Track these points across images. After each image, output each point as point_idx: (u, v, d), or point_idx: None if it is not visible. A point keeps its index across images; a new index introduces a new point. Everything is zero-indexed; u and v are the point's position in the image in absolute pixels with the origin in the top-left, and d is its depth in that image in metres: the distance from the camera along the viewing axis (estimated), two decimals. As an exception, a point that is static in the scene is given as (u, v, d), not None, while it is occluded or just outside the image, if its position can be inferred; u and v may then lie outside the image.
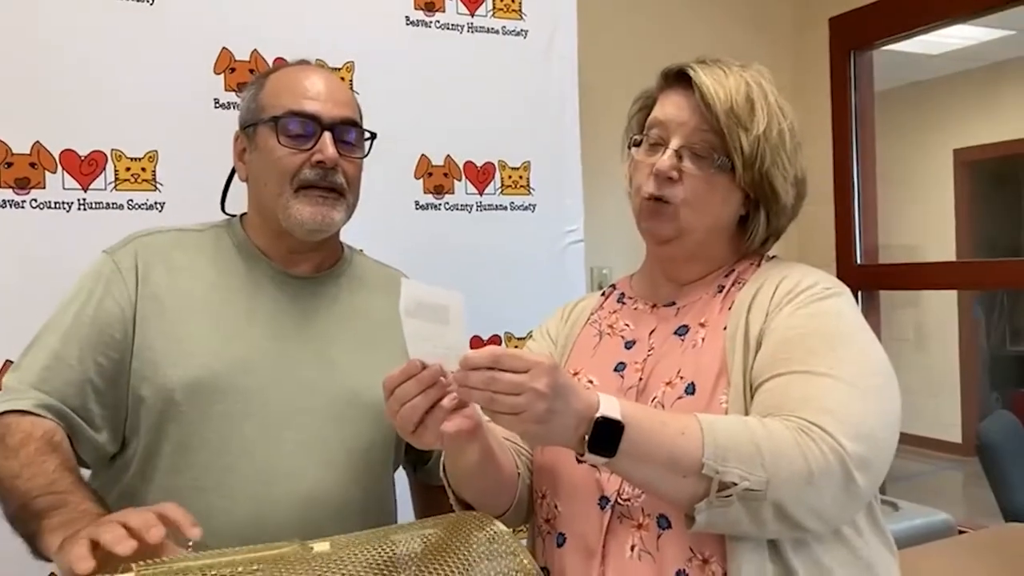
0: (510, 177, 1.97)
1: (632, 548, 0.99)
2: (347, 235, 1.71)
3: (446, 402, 0.92)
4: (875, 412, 0.96)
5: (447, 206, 1.90)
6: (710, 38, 2.61)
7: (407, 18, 1.86)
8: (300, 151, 1.23)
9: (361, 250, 1.60)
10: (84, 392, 1.16)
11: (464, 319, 0.90)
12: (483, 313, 1.90)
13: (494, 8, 1.95)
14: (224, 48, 1.69)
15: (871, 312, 2.67)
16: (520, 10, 1.98)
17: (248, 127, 1.29)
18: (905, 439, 0.99)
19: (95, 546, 0.84)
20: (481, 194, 1.94)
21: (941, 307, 5.74)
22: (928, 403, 5.51)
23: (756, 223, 1.12)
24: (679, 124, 1.08)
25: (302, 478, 1.19)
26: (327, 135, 1.24)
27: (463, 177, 1.92)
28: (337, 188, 1.25)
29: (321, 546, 0.85)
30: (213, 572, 0.79)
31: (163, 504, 0.91)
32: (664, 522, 0.98)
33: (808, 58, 2.72)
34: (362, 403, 1.24)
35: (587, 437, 0.88)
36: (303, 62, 1.35)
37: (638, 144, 1.13)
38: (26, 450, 1.06)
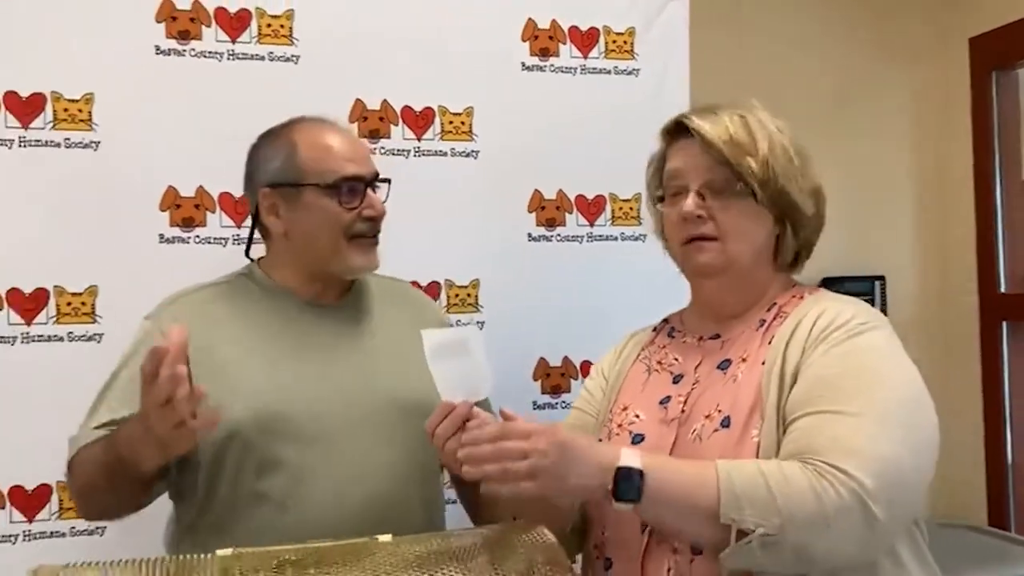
0: (620, 209, 2.07)
1: (668, 571, 1.08)
2: (463, 266, 1.88)
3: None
4: (903, 447, 1.00)
5: (559, 238, 2.03)
6: (832, 68, 2.60)
7: (523, 64, 2.00)
8: (351, 208, 1.40)
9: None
10: None
11: (483, 349, 1.02)
12: (593, 341, 2.00)
13: (606, 50, 2.06)
14: (357, 99, 1.90)
15: (1017, 346, 2.55)
16: (632, 51, 2.08)
17: (285, 186, 1.42)
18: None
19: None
20: (592, 225, 2.05)
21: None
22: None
23: (785, 237, 1.19)
24: (692, 168, 1.18)
25: (365, 481, 1.36)
26: (371, 192, 1.42)
27: (574, 210, 2.04)
28: (378, 232, 1.44)
29: (385, 537, 1.00)
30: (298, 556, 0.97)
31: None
32: (696, 548, 1.06)
33: (948, 79, 2.64)
34: (404, 406, 1.39)
35: (611, 487, 0.98)
36: (321, 120, 1.48)
37: (663, 199, 1.21)
38: (84, 458, 1.31)
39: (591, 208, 2.05)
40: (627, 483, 0.98)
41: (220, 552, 0.98)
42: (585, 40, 2.05)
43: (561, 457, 0.98)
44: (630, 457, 0.99)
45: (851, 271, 2.60)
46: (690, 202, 1.17)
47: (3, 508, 1.69)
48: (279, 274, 1.47)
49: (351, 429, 1.38)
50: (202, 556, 0.97)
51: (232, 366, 1.37)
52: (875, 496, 0.95)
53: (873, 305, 2.52)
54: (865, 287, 2.60)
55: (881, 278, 2.62)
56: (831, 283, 2.56)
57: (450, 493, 1.66)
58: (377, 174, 1.46)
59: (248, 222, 1.55)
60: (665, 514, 1.01)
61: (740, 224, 1.16)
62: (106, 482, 1.27)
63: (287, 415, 1.36)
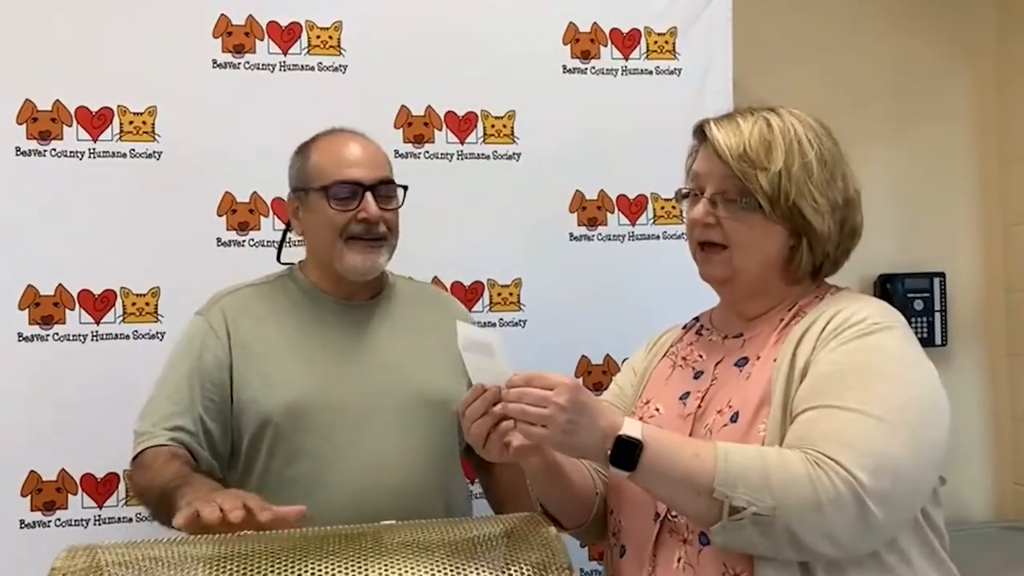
0: (662, 208, 2.08)
1: (678, 560, 1.11)
2: (506, 266, 1.92)
3: (507, 422, 1.08)
4: (903, 446, 1.00)
5: (600, 237, 2.06)
6: (890, 57, 2.54)
7: (564, 67, 2.05)
8: (347, 211, 1.47)
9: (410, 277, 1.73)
10: (198, 426, 1.44)
11: (505, 352, 1.07)
12: (635, 339, 2.01)
13: (648, 51, 2.08)
14: (403, 105, 1.98)
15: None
16: (674, 50, 2.09)
17: (300, 191, 1.54)
18: None
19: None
20: (633, 224, 2.07)
21: None
22: None
23: (800, 252, 1.18)
24: (708, 174, 1.19)
25: (390, 468, 1.45)
26: (368, 196, 1.48)
27: (616, 209, 2.07)
28: (380, 236, 1.49)
29: (388, 522, 1.06)
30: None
31: (248, 494, 1.14)
32: (704, 539, 1.08)
33: (1011, 70, 2.56)
34: (427, 398, 1.50)
35: (609, 453, 1.02)
36: (342, 130, 1.56)
37: (686, 196, 1.24)
38: (156, 463, 1.38)
39: (633, 208, 2.08)
40: (625, 451, 1.01)
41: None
42: (626, 41, 2.07)
43: (576, 415, 1.02)
44: (632, 427, 1.03)
45: (909, 268, 2.54)
46: (700, 208, 1.19)
47: (76, 495, 1.82)
48: (314, 275, 1.57)
49: (375, 421, 1.47)
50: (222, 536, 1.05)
51: (269, 360, 1.48)
52: (870, 491, 0.96)
53: (932, 303, 2.52)
54: (923, 284, 2.54)
55: (941, 275, 2.55)
56: (888, 280, 2.52)
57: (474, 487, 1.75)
58: (385, 179, 1.52)
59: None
60: (660, 485, 1.04)
61: (748, 236, 1.17)
62: (155, 503, 1.35)
63: (316, 407, 1.45)
